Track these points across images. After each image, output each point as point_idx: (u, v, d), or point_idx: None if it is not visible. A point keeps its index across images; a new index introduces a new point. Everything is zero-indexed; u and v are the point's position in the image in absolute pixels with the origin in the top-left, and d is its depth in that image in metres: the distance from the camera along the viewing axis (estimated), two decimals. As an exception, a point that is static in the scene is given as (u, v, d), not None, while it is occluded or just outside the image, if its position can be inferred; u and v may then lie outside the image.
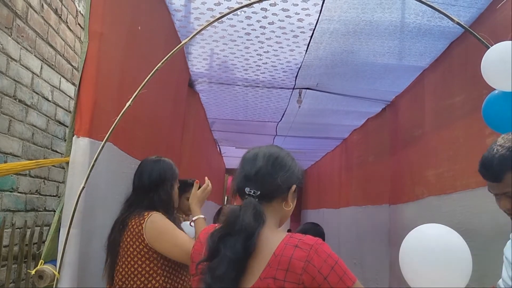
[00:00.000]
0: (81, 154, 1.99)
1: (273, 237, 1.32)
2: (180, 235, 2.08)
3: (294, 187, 1.42)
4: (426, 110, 3.89)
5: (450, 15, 2.27)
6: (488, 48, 2.15)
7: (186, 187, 3.23)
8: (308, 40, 3.56)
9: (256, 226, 1.29)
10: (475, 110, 2.69)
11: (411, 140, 4.22)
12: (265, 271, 1.27)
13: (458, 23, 2.26)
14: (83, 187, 1.89)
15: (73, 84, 3.70)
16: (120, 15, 2.38)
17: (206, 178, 2.39)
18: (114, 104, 2.21)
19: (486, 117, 2.21)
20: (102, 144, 1.97)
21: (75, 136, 2.01)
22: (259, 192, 1.37)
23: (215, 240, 1.32)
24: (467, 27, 2.38)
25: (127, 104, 2.02)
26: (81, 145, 1.99)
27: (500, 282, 1.82)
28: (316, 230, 3.40)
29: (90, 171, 1.91)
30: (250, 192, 1.37)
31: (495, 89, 2.17)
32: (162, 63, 2.10)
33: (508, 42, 2.11)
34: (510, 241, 1.78)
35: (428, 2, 2.29)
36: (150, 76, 2.08)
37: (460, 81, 3.26)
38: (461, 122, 3.22)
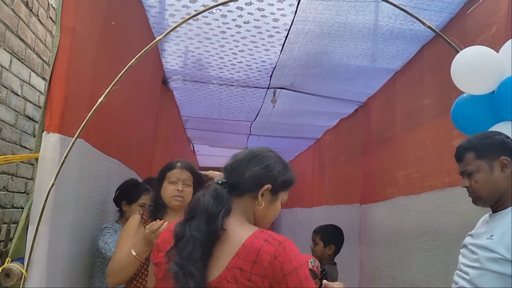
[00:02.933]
0: (51, 150, 1.95)
1: (243, 230, 1.33)
2: (118, 247, 2.15)
3: (267, 186, 1.41)
4: (397, 112, 3.97)
5: (421, 19, 2.32)
6: (458, 52, 2.21)
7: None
8: (283, 40, 3.58)
9: (216, 209, 1.32)
10: (444, 112, 2.76)
11: (382, 141, 4.30)
12: (233, 261, 1.28)
13: (429, 27, 2.32)
14: (53, 184, 1.86)
15: (44, 78, 3.62)
16: (93, 10, 2.34)
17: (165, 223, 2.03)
18: (86, 100, 2.18)
19: (455, 119, 2.27)
20: (73, 140, 1.94)
21: (45, 132, 1.97)
22: (224, 180, 1.40)
23: (181, 224, 1.35)
24: (438, 31, 2.44)
25: (99, 100, 2.00)
26: (51, 141, 1.96)
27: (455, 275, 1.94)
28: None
29: (60, 167, 1.88)
30: (218, 181, 1.40)
31: (463, 93, 2.23)
32: (135, 60, 2.09)
33: (477, 47, 2.18)
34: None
35: (400, 6, 2.33)
36: (123, 73, 2.06)
37: (430, 84, 3.34)
38: (429, 124, 3.29)
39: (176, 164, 2.25)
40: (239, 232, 1.32)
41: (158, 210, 2.20)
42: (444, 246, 2.93)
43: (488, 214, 1.92)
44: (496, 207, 1.80)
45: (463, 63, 2.13)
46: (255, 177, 1.41)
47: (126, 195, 2.65)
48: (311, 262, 2.54)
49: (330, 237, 3.14)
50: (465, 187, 1.81)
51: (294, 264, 1.27)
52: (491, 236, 1.71)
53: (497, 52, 2.11)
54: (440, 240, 3.02)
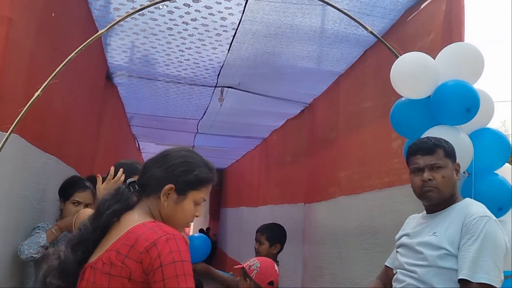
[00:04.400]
0: (-18, 146, 1.85)
1: (138, 221, 1.35)
2: None
3: (169, 187, 1.40)
4: (340, 114, 4.07)
5: (364, 24, 2.40)
6: (398, 57, 2.29)
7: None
8: (231, 40, 3.58)
9: (104, 207, 1.38)
10: (383, 115, 2.85)
11: (326, 142, 4.39)
12: (113, 244, 1.31)
13: (371, 32, 2.40)
14: (-16, 181, 1.77)
15: (-23, 70, 3.43)
16: (31, 0, 2.24)
17: (111, 168, 2.17)
18: (22, 94, 2.09)
19: (393, 122, 2.35)
20: (6, 135, 1.85)
21: (-24, 126, 1.87)
22: (133, 180, 1.46)
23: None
24: (379, 36, 2.53)
25: (36, 94, 1.92)
26: (-18, 136, 1.86)
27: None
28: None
29: (-8, 164, 1.79)
30: (128, 181, 1.46)
31: (402, 97, 2.32)
32: (75, 53, 2.02)
33: (415, 53, 2.27)
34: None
35: (345, 11, 2.40)
36: (62, 66, 1.99)
37: (371, 88, 3.44)
38: (370, 126, 3.40)
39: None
40: (132, 222, 1.34)
41: None
42: (382, 244, 3.04)
43: (418, 215, 2.02)
44: (437, 207, 1.89)
45: (402, 68, 2.22)
46: (157, 178, 1.42)
47: (61, 191, 2.57)
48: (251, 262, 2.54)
49: (276, 237, 3.16)
50: (428, 180, 1.84)
51: (174, 257, 1.25)
52: (434, 233, 1.79)
53: (434, 59, 2.21)
54: (378, 238, 3.13)
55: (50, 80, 1.95)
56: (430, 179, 1.84)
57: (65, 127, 2.97)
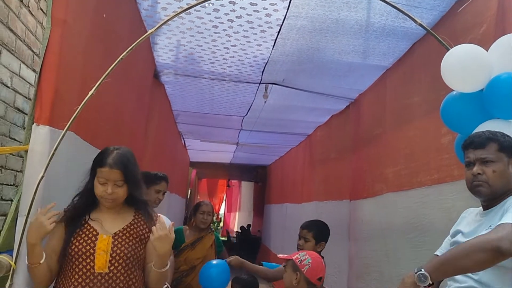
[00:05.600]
0: (40, 143, 1.95)
1: None
2: None
3: None
4: (387, 109, 3.99)
5: (413, 17, 2.34)
6: (448, 50, 2.23)
7: (155, 180, 3.20)
8: (276, 36, 3.58)
9: None
10: (433, 110, 2.78)
11: (372, 138, 4.32)
12: None
13: (420, 25, 2.33)
14: (42, 176, 1.85)
15: (34, 70, 3.59)
16: (84, 2, 2.32)
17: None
18: (76, 93, 2.17)
19: (444, 117, 2.29)
20: (63, 133, 1.93)
21: (34, 124, 1.96)
22: None
23: None
24: (428, 28, 2.46)
25: (90, 93, 1.99)
26: (41, 134, 1.95)
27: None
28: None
29: (50, 160, 1.87)
30: None
31: (453, 90, 2.25)
32: (126, 53, 2.08)
33: (467, 45, 2.20)
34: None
35: (392, 3, 2.35)
36: (114, 65, 2.05)
37: (419, 82, 3.36)
38: (418, 121, 3.32)
39: (105, 161, 1.99)
40: None
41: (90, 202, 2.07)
42: (431, 242, 2.96)
43: (475, 210, 1.95)
44: (491, 203, 1.83)
45: (453, 61, 2.15)
46: None
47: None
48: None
49: (322, 235, 3.13)
50: (478, 174, 1.80)
51: None
52: (489, 226, 1.72)
53: (487, 51, 2.13)
54: (427, 236, 3.05)
55: (103, 79, 2.02)
56: (479, 173, 1.80)
57: (116, 125, 3.06)
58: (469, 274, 1.76)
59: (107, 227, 2.02)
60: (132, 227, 2.07)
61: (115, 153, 2.01)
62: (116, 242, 1.99)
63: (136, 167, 2.08)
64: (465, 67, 2.10)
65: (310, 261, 2.42)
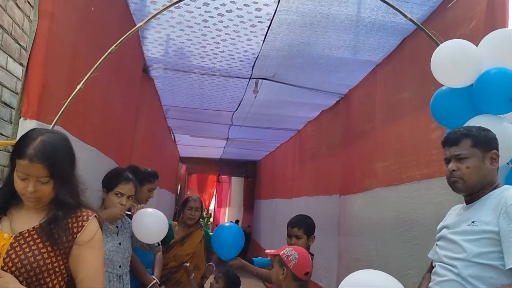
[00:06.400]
0: (28, 137, 1.91)
1: None
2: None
3: None
4: (376, 104, 4.00)
5: (403, 12, 2.34)
6: (438, 45, 2.23)
7: (150, 178, 3.18)
8: (266, 30, 3.57)
9: None
10: (422, 105, 2.79)
11: (362, 133, 4.33)
12: None
13: (410, 20, 2.34)
14: (29, 172, 1.82)
15: (21, 64, 3.54)
16: (72, -5, 2.29)
17: None
18: (64, 87, 2.14)
19: (433, 112, 2.30)
20: (50, 127, 1.91)
21: (22, 118, 1.94)
22: None
23: None
24: (419, 24, 2.47)
25: (78, 87, 1.97)
26: (28, 128, 1.92)
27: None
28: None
29: (37, 155, 1.84)
30: None
31: (443, 86, 2.26)
32: (115, 46, 2.06)
33: (457, 40, 2.20)
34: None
35: (382, -2, 2.35)
36: (103, 59, 2.03)
37: (409, 77, 3.37)
38: (408, 116, 3.33)
39: (25, 151, 1.52)
40: None
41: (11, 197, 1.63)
42: (420, 237, 2.99)
43: (460, 206, 1.97)
44: (472, 197, 1.85)
45: (442, 56, 2.16)
46: None
47: (105, 182, 2.63)
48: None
49: (311, 228, 3.14)
50: (453, 170, 1.85)
51: None
52: (472, 222, 1.76)
53: (477, 46, 2.14)
54: (417, 231, 3.07)
55: (91, 73, 2.00)
56: (454, 170, 1.85)
57: (105, 119, 3.03)
58: (450, 268, 1.79)
59: (17, 224, 1.57)
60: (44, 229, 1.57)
61: (39, 141, 1.53)
62: (15, 245, 1.52)
63: (67, 159, 1.61)
64: (455, 62, 2.11)
65: (297, 257, 2.42)
